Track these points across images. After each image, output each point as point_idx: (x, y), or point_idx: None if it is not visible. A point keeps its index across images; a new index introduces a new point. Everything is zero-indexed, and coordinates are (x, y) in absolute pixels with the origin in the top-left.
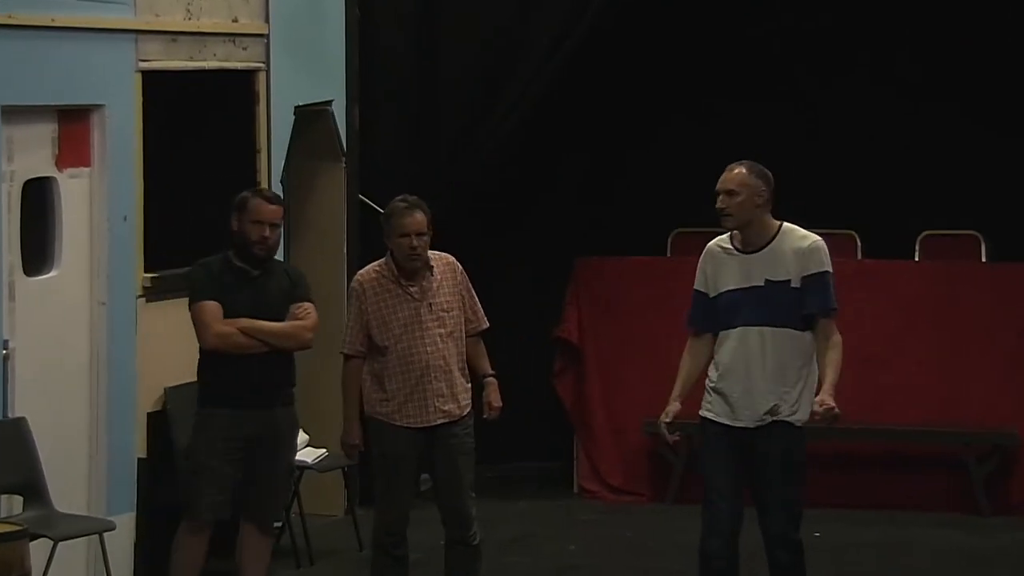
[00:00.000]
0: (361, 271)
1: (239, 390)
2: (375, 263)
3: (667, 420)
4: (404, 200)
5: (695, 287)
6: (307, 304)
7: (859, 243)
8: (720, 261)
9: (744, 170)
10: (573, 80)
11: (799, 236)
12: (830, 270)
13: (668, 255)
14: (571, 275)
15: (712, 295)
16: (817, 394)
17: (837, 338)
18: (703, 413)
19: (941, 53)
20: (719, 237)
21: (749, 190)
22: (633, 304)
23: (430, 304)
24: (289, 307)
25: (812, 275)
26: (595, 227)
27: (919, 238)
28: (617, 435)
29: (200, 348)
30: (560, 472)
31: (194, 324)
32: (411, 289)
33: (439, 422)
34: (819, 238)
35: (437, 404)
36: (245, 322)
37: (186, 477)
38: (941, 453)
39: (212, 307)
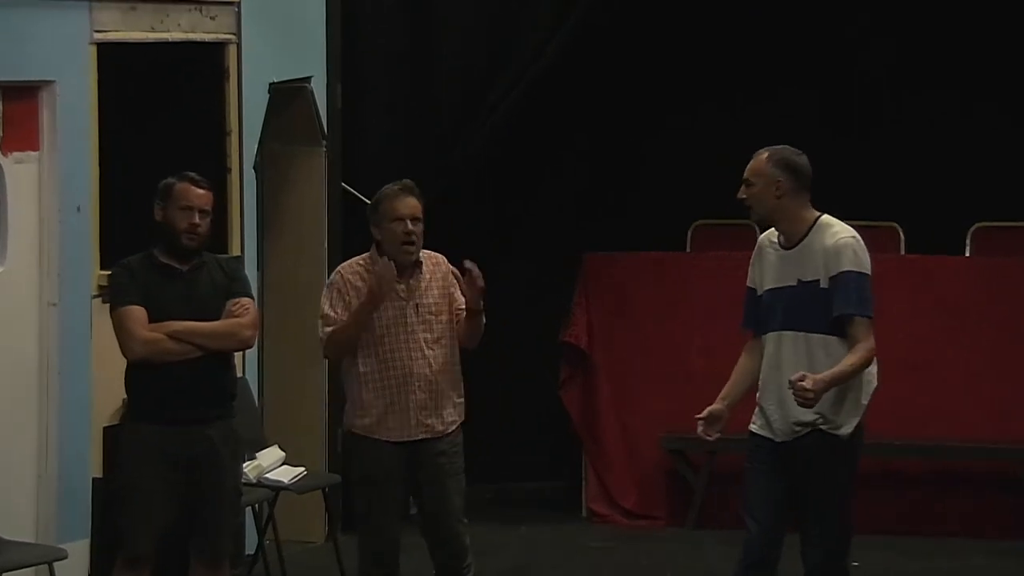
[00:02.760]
0: (341, 265)
1: (168, 403)
2: (357, 258)
3: (700, 416)
4: (395, 184)
5: (747, 283)
6: (245, 299)
7: (902, 236)
8: (765, 256)
9: (764, 157)
10: (584, 54)
11: (830, 232)
12: (859, 270)
13: (687, 250)
14: (579, 272)
15: (759, 293)
16: None
17: (864, 344)
18: (750, 427)
19: (994, 41)
20: (771, 229)
21: (764, 180)
22: (648, 305)
23: (417, 305)
24: (225, 304)
25: (837, 275)
26: (606, 219)
27: (970, 231)
28: (631, 452)
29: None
30: (566, 493)
31: (116, 333)
32: (398, 287)
33: (420, 437)
34: (851, 235)
35: (420, 417)
36: (175, 325)
37: (116, 505)
38: (996, 472)
39: (136, 312)
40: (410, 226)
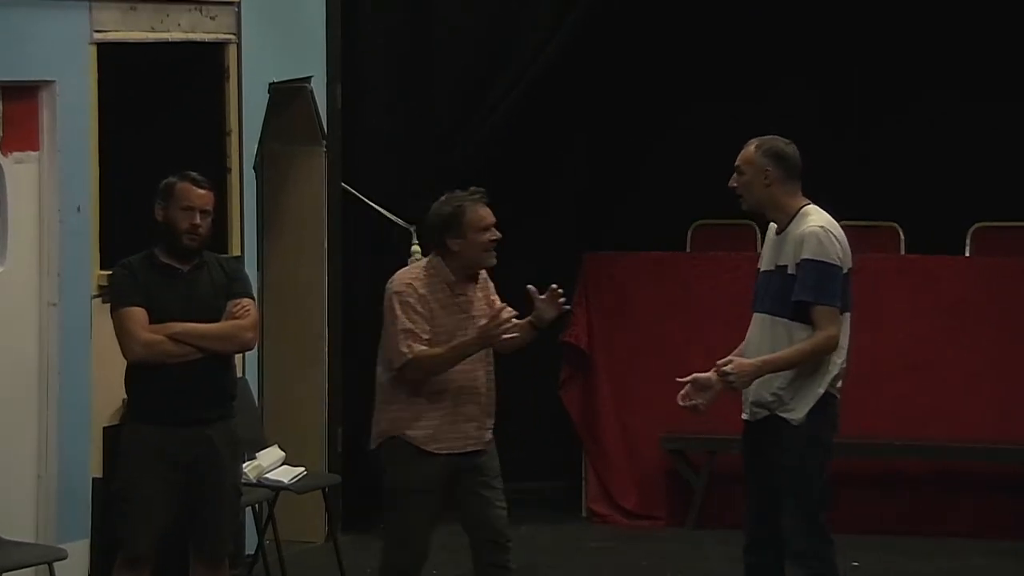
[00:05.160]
0: (399, 277)
1: (168, 404)
2: (413, 267)
3: (684, 379)
4: (468, 193)
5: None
6: (246, 300)
7: (902, 236)
8: (767, 240)
9: (753, 147)
10: (584, 54)
11: (805, 221)
12: (821, 258)
13: (687, 250)
14: (579, 272)
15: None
16: None
17: (823, 332)
18: None
19: (994, 41)
20: None
21: (753, 169)
22: (649, 305)
23: (472, 316)
24: (226, 304)
25: (799, 262)
26: (606, 218)
27: (970, 231)
28: (631, 452)
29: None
30: (567, 493)
31: (116, 334)
32: (460, 298)
33: (469, 450)
34: (820, 224)
35: (471, 430)
36: (175, 327)
37: (115, 505)
38: (996, 472)
39: (137, 313)
40: (496, 234)
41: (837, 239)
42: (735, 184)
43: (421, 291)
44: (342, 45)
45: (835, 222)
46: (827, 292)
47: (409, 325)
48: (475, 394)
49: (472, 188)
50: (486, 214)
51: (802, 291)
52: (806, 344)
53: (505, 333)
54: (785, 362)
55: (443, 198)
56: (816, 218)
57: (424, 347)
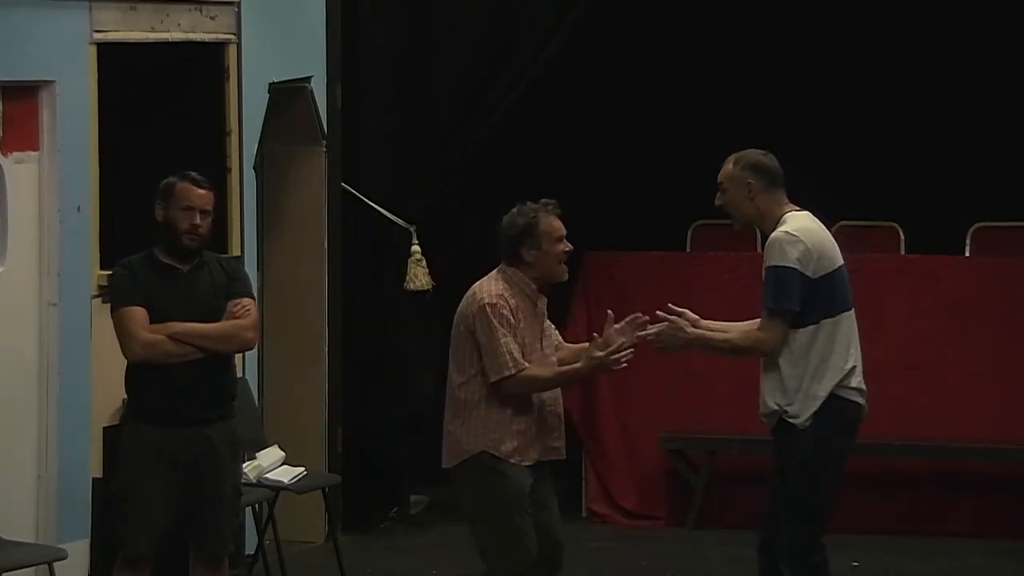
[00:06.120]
0: (487, 289)
1: (168, 404)
2: (490, 282)
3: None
4: (541, 204)
5: None
6: (246, 299)
7: (902, 236)
8: None
9: (731, 163)
10: (584, 54)
11: (778, 229)
12: (779, 264)
13: (687, 250)
14: (579, 272)
15: None
16: None
17: (761, 335)
18: None
19: (994, 41)
20: None
21: (734, 184)
22: (648, 305)
23: (544, 330)
24: (226, 304)
25: (764, 269)
26: (606, 219)
27: (970, 231)
28: (631, 452)
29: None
30: (567, 493)
31: (117, 334)
32: (537, 309)
33: (548, 458)
34: (785, 230)
35: (549, 441)
36: (176, 326)
37: (116, 505)
38: (996, 472)
39: (137, 313)
40: (569, 245)
41: (803, 242)
42: (720, 203)
43: (512, 302)
44: (342, 45)
45: (812, 227)
46: (781, 296)
47: (510, 346)
48: (554, 402)
49: (544, 200)
50: (559, 225)
51: (764, 297)
52: (739, 339)
53: (619, 365)
54: (718, 345)
55: (515, 209)
56: (789, 225)
57: (525, 363)
